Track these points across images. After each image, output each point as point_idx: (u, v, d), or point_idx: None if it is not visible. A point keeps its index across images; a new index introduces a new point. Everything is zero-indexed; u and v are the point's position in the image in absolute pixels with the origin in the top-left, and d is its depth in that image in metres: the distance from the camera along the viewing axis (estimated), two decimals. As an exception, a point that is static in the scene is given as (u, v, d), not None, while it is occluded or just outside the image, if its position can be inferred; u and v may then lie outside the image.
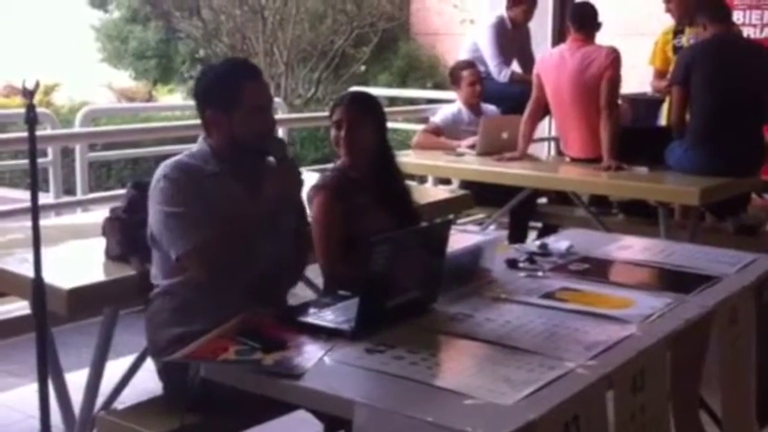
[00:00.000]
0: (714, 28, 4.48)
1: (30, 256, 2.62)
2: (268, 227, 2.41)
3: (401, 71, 12.98)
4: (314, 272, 3.09)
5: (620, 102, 4.93)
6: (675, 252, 2.99)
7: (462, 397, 1.74)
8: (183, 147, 3.86)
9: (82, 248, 2.89)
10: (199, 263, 2.32)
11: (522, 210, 5.03)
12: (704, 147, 4.37)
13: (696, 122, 4.46)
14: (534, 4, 5.72)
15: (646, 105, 5.54)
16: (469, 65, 5.27)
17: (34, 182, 2.12)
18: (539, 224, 5.31)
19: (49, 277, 2.26)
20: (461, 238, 2.71)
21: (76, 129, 4.80)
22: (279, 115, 6.17)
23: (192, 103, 2.59)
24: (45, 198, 4.17)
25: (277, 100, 7.67)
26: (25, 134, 2.15)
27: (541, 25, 6.42)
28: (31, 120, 2.02)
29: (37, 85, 2.00)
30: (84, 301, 2.44)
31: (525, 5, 5.66)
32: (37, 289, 2.14)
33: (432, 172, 5.16)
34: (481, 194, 4.40)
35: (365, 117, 2.82)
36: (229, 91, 2.40)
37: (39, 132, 2.30)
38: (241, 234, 2.35)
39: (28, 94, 1.98)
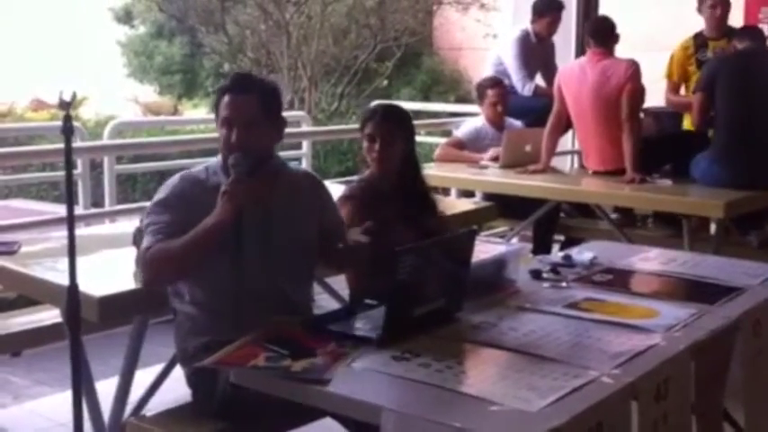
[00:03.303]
0: (744, 44, 4.53)
1: (59, 264, 2.69)
2: (256, 241, 2.41)
3: (424, 85, 13.05)
4: (340, 283, 3.13)
5: (642, 115, 4.95)
6: (699, 264, 3.00)
7: (488, 404, 1.77)
8: (210, 160, 3.91)
9: (112, 258, 2.93)
10: (142, 268, 2.37)
11: (545, 222, 5.04)
12: (729, 160, 4.38)
13: (721, 136, 4.47)
14: (558, 16, 5.74)
15: (669, 118, 5.54)
16: (496, 84, 5.25)
17: (69, 191, 2.17)
18: (561, 237, 5.32)
19: (81, 285, 2.30)
20: (486, 249, 2.73)
21: (107, 141, 4.87)
22: (302, 128, 6.23)
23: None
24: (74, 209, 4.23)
25: (301, 113, 7.76)
26: (58, 146, 2.20)
27: (565, 40, 6.43)
28: (68, 130, 2.07)
29: (74, 96, 2.05)
30: (116, 308, 2.48)
31: (549, 18, 5.68)
32: (71, 296, 2.18)
33: (455, 184, 5.18)
34: (504, 207, 4.42)
35: (398, 131, 2.86)
36: (215, 103, 2.48)
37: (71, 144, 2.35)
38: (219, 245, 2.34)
39: (65, 105, 2.03)
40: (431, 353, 2.03)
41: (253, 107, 2.42)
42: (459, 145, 5.23)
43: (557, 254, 3.17)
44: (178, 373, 2.70)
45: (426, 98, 12.45)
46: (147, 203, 2.54)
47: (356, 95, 11.59)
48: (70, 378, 2.34)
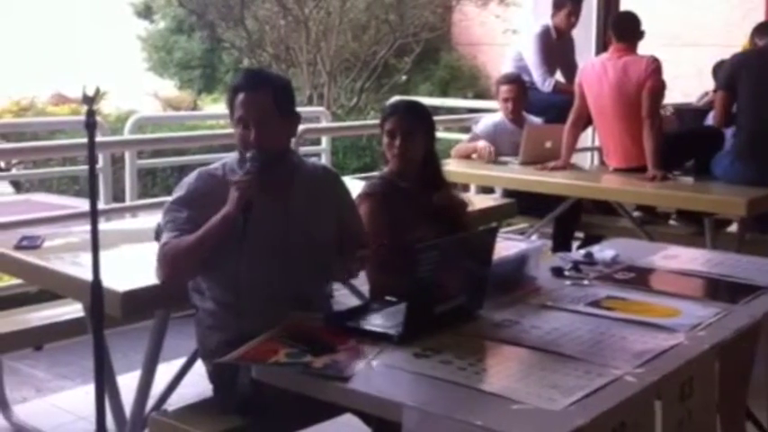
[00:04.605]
0: (764, 40, 4.50)
1: (81, 258, 2.71)
2: (274, 238, 2.42)
3: (442, 81, 13.01)
4: (359, 278, 3.12)
5: (663, 112, 4.91)
6: (721, 262, 2.98)
7: (510, 402, 1.76)
8: (230, 155, 3.90)
9: (134, 252, 2.95)
10: (159, 264, 2.39)
11: (566, 219, 5.02)
12: (751, 158, 4.35)
13: (742, 133, 4.44)
14: (577, 8, 5.68)
15: (692, 115, 5.50)
16: (510, 80, 5.21)
17: (93, 186, 2.18)
18: (580, 234, 5.29)
19: (104, 280, 2.31)
20: (506, 246, 2.72)
21: (129, 136, 4.89)
22: (322, 124, 6.23)
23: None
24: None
25: (320, 109, 7.76)
26: (81, 141, 2.21)
27: (586, 36, 6.40)
28: (91, 125, 2.08)
29: (97, 91, 2.06)
30: (138, 303, 2.49)
31: (568, 9, 5.64)
32: (95, 291, 2.19)
33: (474, 180, 5.17)
34: (523, 204, 4.41)
35: (419, 127, 2.85)
36: (229, 100, 2.48)
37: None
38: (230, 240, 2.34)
39: (88, 100, 2.04)
40: (452, 350, 2.03)
41: (267, 104, 2.42)
42: (477, 141, 5.22)
43: (577, 251, 3.15)
44: (198, 367, 2.72)
45: (444, 94, 12.42)
46: (169, 198, 2.55)
47: (375, 91, 11.57)
48: (91, 372, 2.36)
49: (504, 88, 5.16)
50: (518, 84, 5.21)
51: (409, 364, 1.96)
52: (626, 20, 4.84)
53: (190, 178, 2.49)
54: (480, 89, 12.71)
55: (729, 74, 4.50)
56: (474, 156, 5.10)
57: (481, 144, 5.04)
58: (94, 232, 2.18)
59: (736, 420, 2.56)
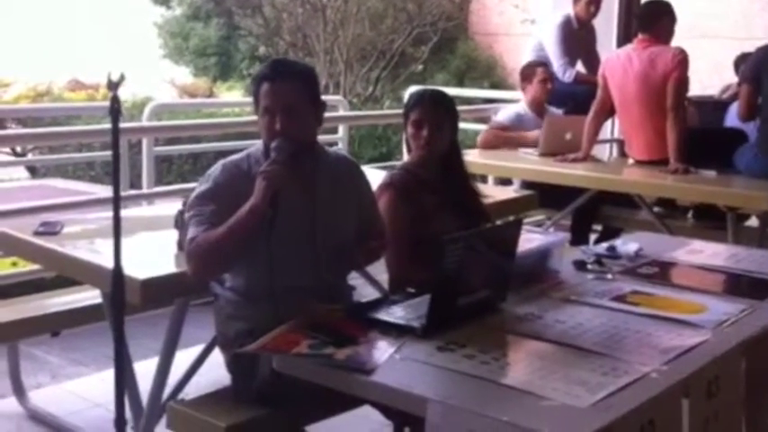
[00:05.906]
0: None
1: (99, 245, 2.70)
2: (301, 229, 2.40)
3: (458, 71, 12.93)
4: (377, 268, 3.10)
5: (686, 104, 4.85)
6: (745, 257, 2.94)
7: (537, 398, 1.74)
8: (245, 143, 3.88)
9: (152, 240, 2.94)
10: (187, 259, 2.36)
11: (585, 212, 4.97)
12: (775, 151, 4.29)
13: (766, 126, 4.38)
14: None
15: (712, 108, 5.44)
16: (544, 64, 5.27)
17: (116, 172, 2.16)
18: (597, 227, 5.25)
19: (124, 267, 2.29)
20: (527, 239, 2.69)
21: (149, 122, 4.87)
22: (340, 113, 6.19)
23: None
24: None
25: (338, 98, 7.72)
26: (104, 126, 2.19)
27: (607, 26, 6.34)
28: (115, 111, 2.06)
29: (122, 77, 2.04)
30: (158, 291, 2.48)
31: None
32: (117, 278, 2.17)
33: (494, 172, 5.13)
34: (541, 195, 4.36)
35: (445, 117, 2.81)
36: (254, 91, 2.45)
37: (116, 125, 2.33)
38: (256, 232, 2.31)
39: (113, 85, 2.02)
40: (476, 344, 2.00)
41: (293, 94, 2.40)
42: (504, 130, 5.18)
43: (601, 245, 3.11)
44: (212, 355, 2.71)
45: (460, 83, 12.34)
46: (185, 185, 2.53)
47: (391, 80, 11.52)
48: (106, 358, 2.35)
49: (540, 69, 5.15)
50: (550, 68, 5.24)
51: (433, 357, 1.94)
52: (649, 11, 4.78)
53: (215, 171, 2.45)
54: (496, 79, 12.63)
55: (754, 67, 4.44)
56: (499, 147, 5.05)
57: (532, 135, 4.99)
58: (117, 219, 2.16)
59: (761, 419, 2.52)
